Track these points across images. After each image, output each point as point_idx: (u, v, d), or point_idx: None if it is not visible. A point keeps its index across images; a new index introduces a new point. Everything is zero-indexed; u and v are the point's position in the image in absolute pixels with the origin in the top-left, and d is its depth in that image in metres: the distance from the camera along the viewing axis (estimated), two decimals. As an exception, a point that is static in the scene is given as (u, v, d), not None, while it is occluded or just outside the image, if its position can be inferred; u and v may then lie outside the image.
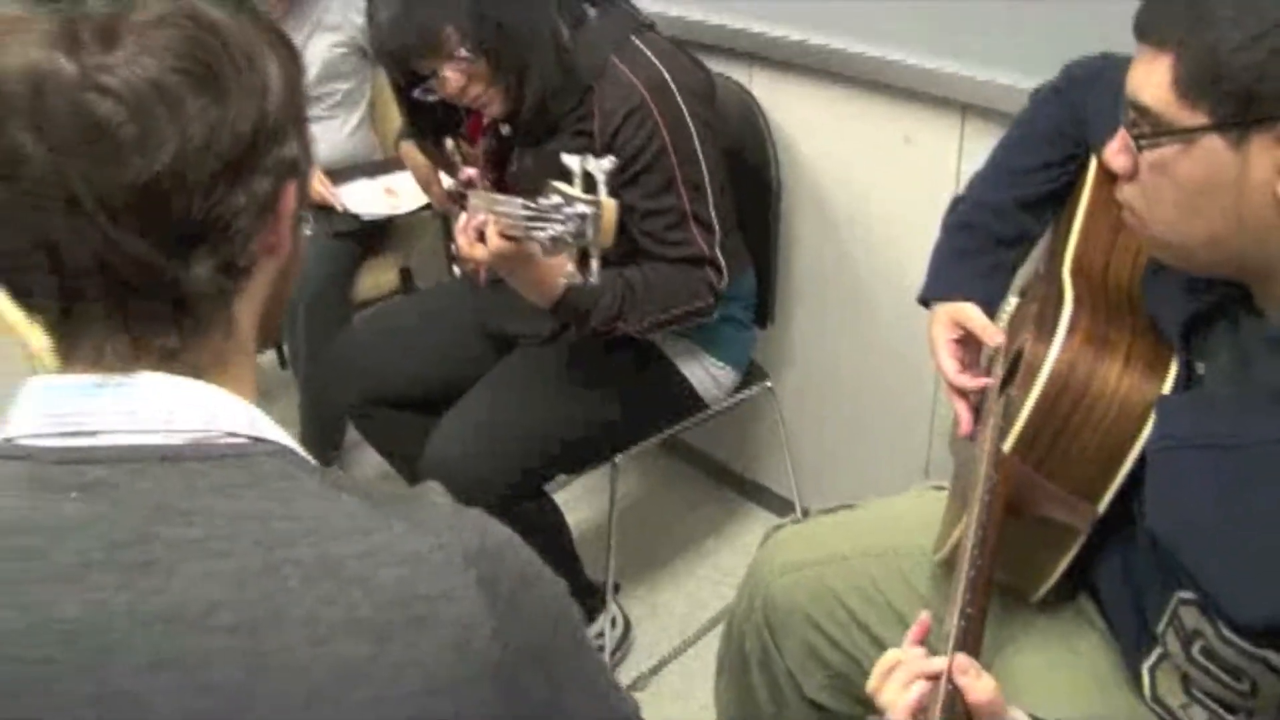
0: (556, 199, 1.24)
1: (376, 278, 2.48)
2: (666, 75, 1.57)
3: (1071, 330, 1.00)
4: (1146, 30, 0.87)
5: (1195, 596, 0.91)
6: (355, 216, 2.32)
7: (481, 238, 1.40)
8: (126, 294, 0.63)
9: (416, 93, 1.59)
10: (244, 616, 0.60)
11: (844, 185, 1.88)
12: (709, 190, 1.61)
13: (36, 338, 1.01)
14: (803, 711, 1.32)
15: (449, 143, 1.81)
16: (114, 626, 0.60)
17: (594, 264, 1.25)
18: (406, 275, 2.55)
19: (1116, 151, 0.92)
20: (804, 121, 1.89)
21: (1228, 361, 0.94)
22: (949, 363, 1.25)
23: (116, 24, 0.60)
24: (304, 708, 0.60)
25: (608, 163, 1.26)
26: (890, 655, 0.90)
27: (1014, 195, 1.28)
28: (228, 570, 0.61)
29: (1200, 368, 0.97)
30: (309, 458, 0.69)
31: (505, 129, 1.71)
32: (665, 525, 2.37)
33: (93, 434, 0.64)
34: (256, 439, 0.67)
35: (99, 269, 0.62)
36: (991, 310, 1.28)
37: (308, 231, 0.75)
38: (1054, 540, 1.04)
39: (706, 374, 1.81)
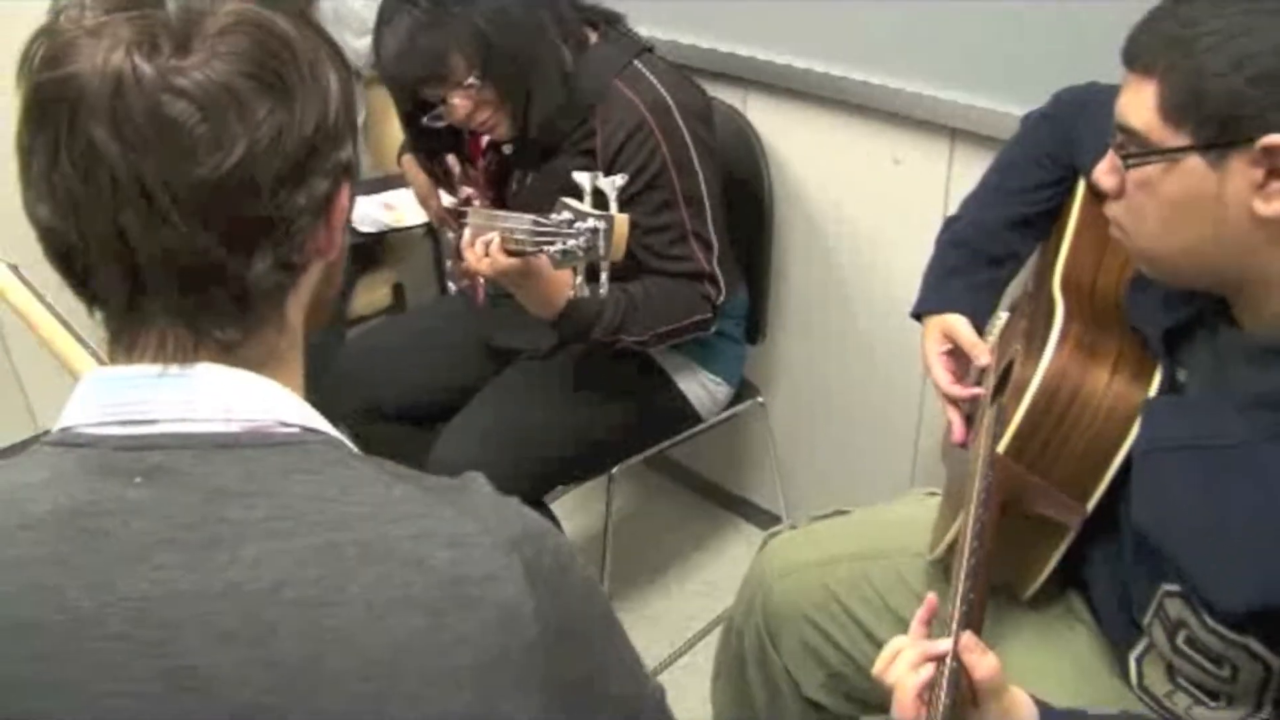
0: (567, 214, 1.28)
1: (370, 294, 2.52)
2: (667, 96, 1.62)
3: (1063, 339, 1.06)
4: (1134, 58, 0.92)
5: (1180, 588, 0.96)
6: (354, 230, 2.36)
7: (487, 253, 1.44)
8: (191, 287, 0.67)
9: (426, 120, 1.62)
10: (306, 593, 0.64)
11: (835, 206, 1.94)
12: (708, 207, 1.66)
13: (82, 362, 1.05)
14: (800, 711, 1.36)
15: (451, 160, 1.86)
16: (181, 603, 0.63)
17: (603, 276, 1.29)
18: (399, 292, 2.58)
19: (1106, 171, 0.97)
20: (797, 143, 1.94)
21: (1207, 368, 1.00)
22: (942, 374, 1.31)
23: (191, 31, 0.64)
24: (362, 680, 0.63)
25: (620, 179, 1.31)
26: (896, 641, 0.95)
27: (1005, 215, 1.34)
28: (290, 549, 0.65)
29: (1182, 374, 1.02)
30: (355, 448, 0.74)
31: (508, 149, 1.75)
32: (656, 539, 2.41)
33: (152, 422, 0.68)
34: (308, 429, 0.71)
35: (167, 261, 0.65)
36: (981, 325, 1.34)
37: None
38: (1045, 538, 1.09)
39: (702, 388, 1.86)
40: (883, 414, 2.02)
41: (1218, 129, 0.86)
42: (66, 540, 0.65)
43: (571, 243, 1.26)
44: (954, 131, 1.70)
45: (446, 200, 1.93)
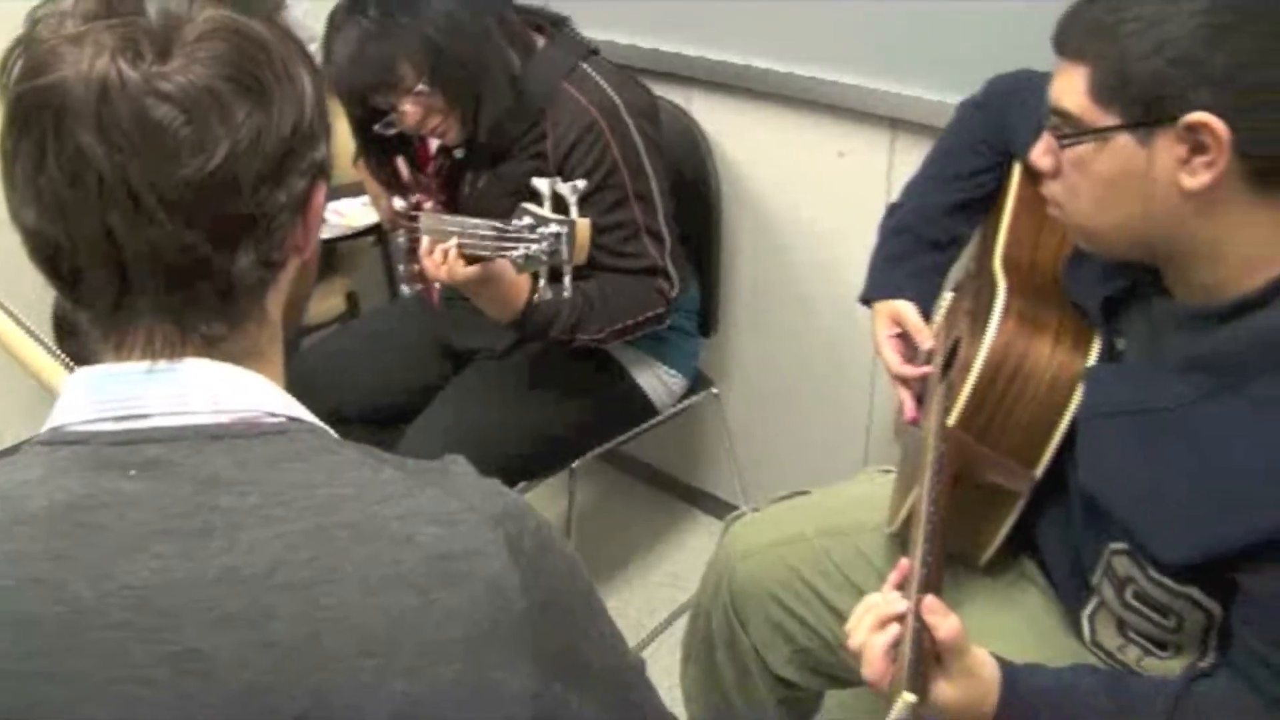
0: (528, 220, 1.30)
1: (323, 302, 2.52)
2: (615, 97, 1.65)
3: (1006, 313, 1.11)
4: (1064, 44, 0.97)
5: (1126, 546, 1.01)
6: None
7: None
8: (177, 284, 0.69)
9: (377, 127, 1.64)
10: (300, 575, 0.66)
11: (781, 198, 1.98)
12: (659, 204, 1.70)
13: (58, 377, 1.06)
14: (768, 688, 1.40)
15: (401, 165, 1.87)
16: (180, 590, 0.65)
17: (566, 279, 1.32)
18: (353, 299, 2.59)
19: (1042, 152, 1.02)
20: (742, 139, 1.99)
21: (1143, 336, 1.05)
22: (892, 356, 1.36)
23: (171, 37, 0.66)
24: (360, 656, 0.66)
25: (580, 184, 1.33)
26: (867, 599, 0.99)
27: (945, 201, 1.40)
28: (282, 534, 0.67)
29: (1120, 343, 1.08)
30: (337, 436, 0.76)
31: (458, 153, 1.77)
32: (615, 534, 2.44)
33: (145, 417, 0.69)
34: (293, 418, 0.74)
35: (154, 259, 0.67)
36: (927, 307, 1.39)
37: None
38: (997, 506, 1.14)
39: (659, 381, 1.90)
40: (834, 398, 2.07)
41: (1144, 109, 0.91)
42: (63, 534, 0.66)
43: (534, 248, 1.28)
44: (894, 122, 1.75)
45: (398, 204, 1.95)
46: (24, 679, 0.65)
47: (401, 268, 2.02)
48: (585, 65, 1.69)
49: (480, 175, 1.76)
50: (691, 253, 1.92)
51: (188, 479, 0.68)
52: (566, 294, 1.34)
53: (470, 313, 1.63)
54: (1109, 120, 0.94)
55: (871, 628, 0.95)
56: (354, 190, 2.32)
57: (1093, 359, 1.08)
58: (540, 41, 1.71)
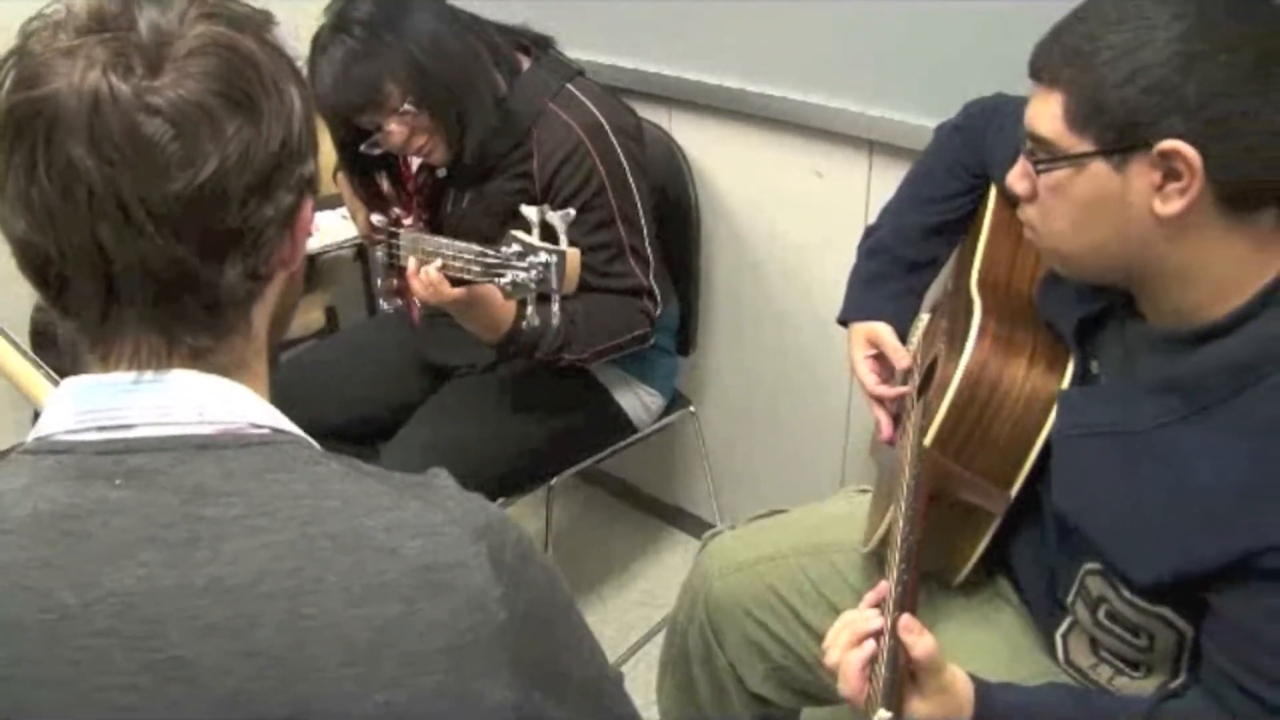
0: (517, 247, 1.30)
1: (302, 317, 2.52)
2: (601, 118, 1.67)
3: (981, 334, 1.12)
4: (1040, 71, 0.99)
5: (1099, 566, 1.02)
6: None
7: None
8: (165, 296, 0.69)
9: (363, 147, 1.64)
10: (284, 584, 0.67)
11: (760, 218, 2.00)
12: (644, 224, 1.71)
13: (37, 386, 1.06)
14: (744, 705, 1.41)
15: (383, 181, 1.87)
16: (165, 598, 0.66)
17: (555, 308, 1.31)
18: (331, 315, 2.59)
19: (1018, 177, 1.04)
20: (721, 159, 2.00)
21: (1117, 358, 1.07)
22: (868, 376, 1.37)
23: (162, 52, 0.67)
24: (343, 665, 0.66)
25: (571, 213, 1.33)
26: (845, 616, 1.00)
27: (922, 223, 1.41)
28: (267, 544, 0.67)
29: (1094, 365, 1.09)
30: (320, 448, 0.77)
31: (441, 172, 1.78)
32: (591, 551, 2.45)
33: (129, 427, 0.70)
34: (277, 430, 0.74)
35: (143, 271, 0.68)
36: (904, 328, 1.40)
37: None
38: (972, 525, 1.15)
39: (638, 400, 1.91)
40: (811, 418, 2.08)
41: (1118, 135, 0.93)
42: (49, 542, 0.67)
43: (523, 276, 1.28)
44: (872, 144, 1.77)
45: (376, 219, 1.95)
46: (10, 684, 0.66)
47: (380, 282, 2.02)
48: (571, 86, 1.70)
49: (464, 194, 1.76)
50: (671, 272, 1.93)
51: (173, 489, 0.68)
52: (555, 322, 1.34)
53: (450, 329, 1.63)
54: (1084, 146, 0.95)
55: (848, 645, 0.96)
56: (332, 203, 2.33)
57: (1067, 380, 1.09)
58: (526, 62, 1.72)
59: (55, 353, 0.77)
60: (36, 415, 0.81)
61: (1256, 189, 0.92)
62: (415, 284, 1.46)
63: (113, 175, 0.65)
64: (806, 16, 1.74)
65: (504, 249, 1.30)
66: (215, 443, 0.70)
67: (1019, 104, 1.03)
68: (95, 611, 0.65)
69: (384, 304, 2.03)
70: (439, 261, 1.43)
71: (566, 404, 1.84)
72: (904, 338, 1.39)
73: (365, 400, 1.95)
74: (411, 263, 1.49)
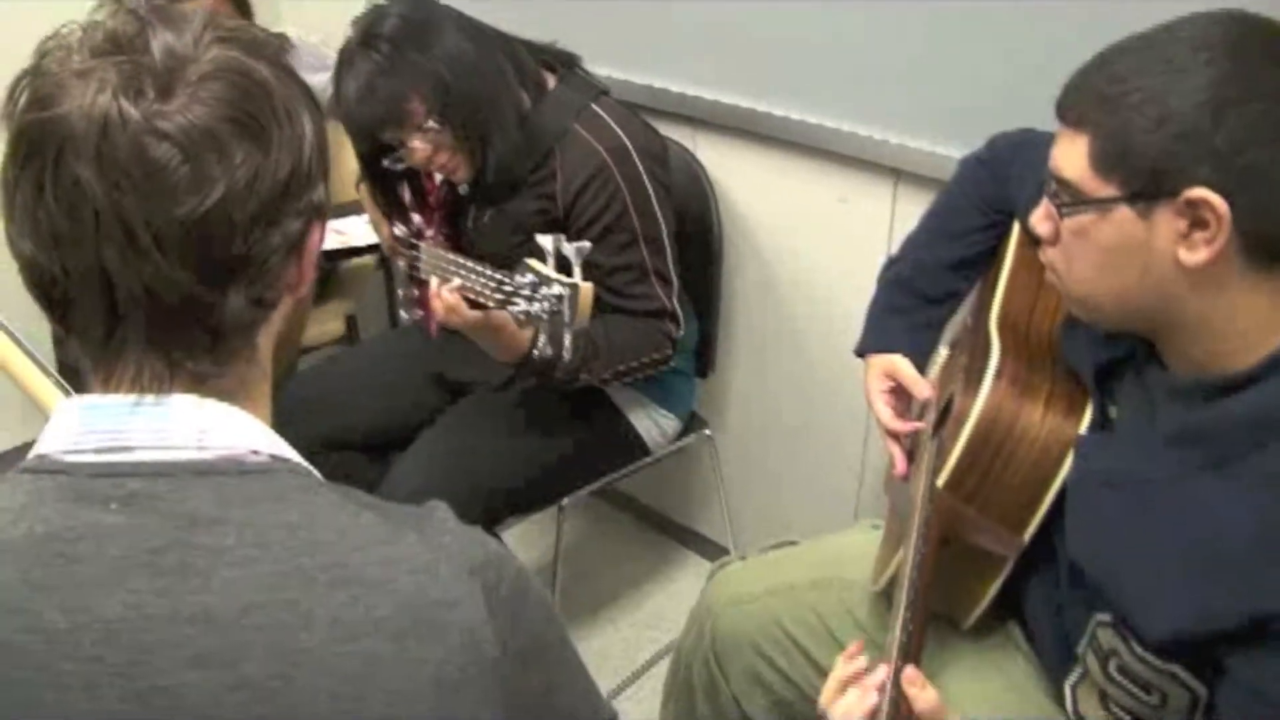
0: (531, 277, 1.29)
1: (322, 325, 2.52)
2: (626, 139, 1.66)
3: (998, 376, 1.11)
4: (1066, 112, 0.97)
5: (1111, 618, 1.00)
6: None
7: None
8: (167, 320, 0.69)
9: (386, 162, 1.64)
10: (275, 617, 0.66)
11: (782, 243, 1.99)
12: (667, 246, 1.70)
13: (50, 399, 1.06)
14: (746, 737, 1.39)
15: (405, 194, 1.87)
16: (154, 627, 0.65)
17: (566, 341, 1.30)
18: (351, 324, 2.59)
19: (1041, 219, 1.02)
20: (745, 182, 1.99)
21: (1136, 405, 1.05)
22: (884, 410, 1.36)
23: (174, 76, 0.66)
24: (331, 700, 0.66)
25: (586, 245, 1.31)
26: (842, 667, 0.98)
27: (943, 257, 1.40)
28: (259, 575, 0.67)
29: (1113, 410, 1.07)
30: (321, 477, 0.76)
31: (463, 188, 1.77)
32: (603, 570, 2.43)
33: (128, 450, 0.70)
34: (277, 457, 0.74)
35: (145, 296, 0.67)
36: (922, 362, 1.39)
37: None
38: (984, 569, 1.13)
39: (652, 422, 1.89)
40: (829, 446, 2.06)
41: (1145, 182, 0.91)
42: (41, 564, 0.66)
43: (536, 306, 1.27)
44: (897, 172, 1.75)
45: (399, 230, 1.95)
46: None
47: (401, 292, 2.02)
48: (596, 106, 1.69)
49: (485, 211, 1.76)
50: (691, 293, 1.92)
51: (168, 515, 0.68)
52: (566, 355, 1.32)
53: (467, 345, 1.63)
54: (1109, 191, 0.94)
55: (856, 695, 0.95)
56: (357, 208, 2.33)
57: (1085, 425, 1.07)
58: (552, 81, 1.72)
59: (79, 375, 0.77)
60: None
61: None
62: (435, 303, 1.46)
63: (119, 198, 0.65)
64: (835, 42, 1.73)
65: (518, 278, 1.30)
66: (213, 469, 0.70)
67: (1046, 140, 1.01)
68: (83, 637, 0.65)
69: (404, 314, 2.04)
70: (457, 281, 1.43)
71: (579, 424, 1.83)
72: (922, 372, 1.38)
73: (381, 411, 1.95)
74: (434, 281, 1.49)
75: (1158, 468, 0.96)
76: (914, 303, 1.40)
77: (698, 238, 1.96)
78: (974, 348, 1.24)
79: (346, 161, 2.27)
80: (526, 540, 2.37)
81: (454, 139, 1.61)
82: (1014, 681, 1.19)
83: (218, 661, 0.65)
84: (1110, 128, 0.92)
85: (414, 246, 1.83)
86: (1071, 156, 0.96)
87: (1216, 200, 0.87)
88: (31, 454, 0.72)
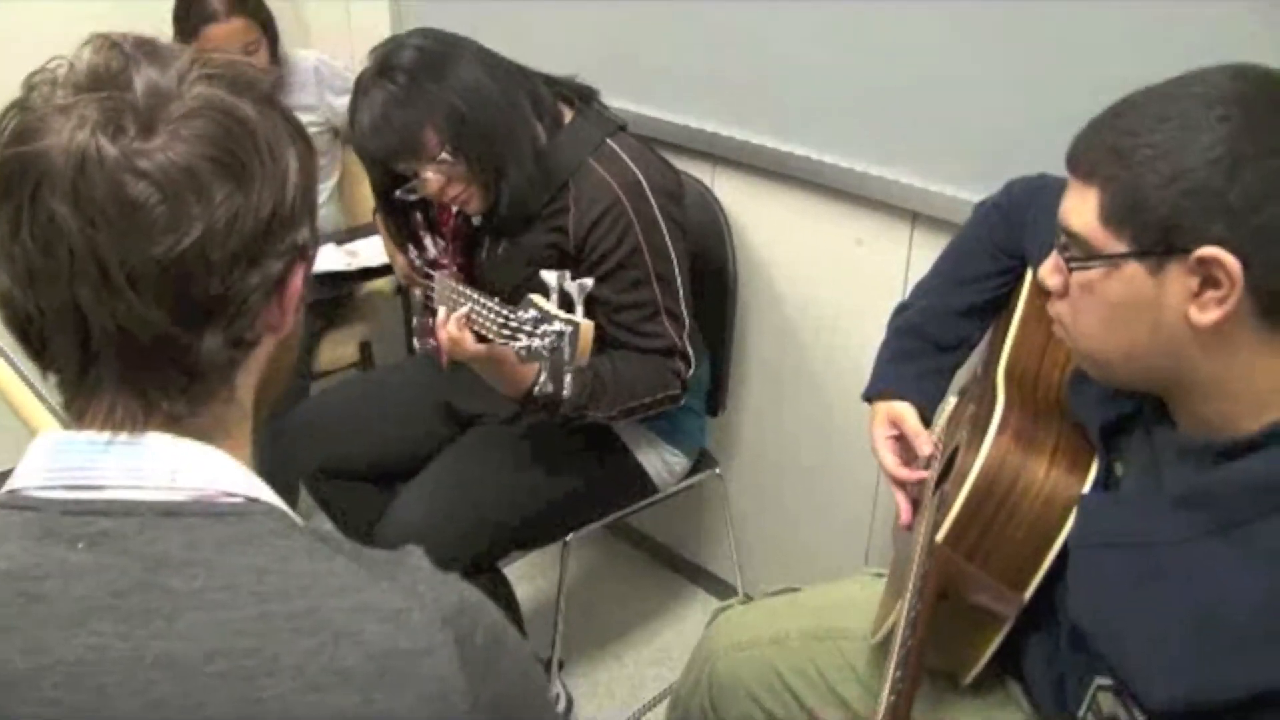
0: (534, 313, 1.28)
1: (336, 350, 2.53)
2: (640, 176, 1.65)
3: (1002, 429, 1.08)
4: (1077, 164, 0.95)
5: (1112, 682, 0.97)
6: (318, 281, 2.36)
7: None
8: (141, 360, 0.68)
9: (399, 193, 1.64)
10: (239, 664, 0.64)
11: (797, 282, 1.97)
12: (679, 284, 1.69)
13: (42, 421, 1.06)
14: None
15: (419, 220, 1.87)
16: (115, 670, 0.64)
17: (567, 379, 1.29)
18: (366, 349, 2.59)
19: (1050, 271, 1.00)
20: (762, 220, 1.98)
21: (1143, 464, 1.02)
22: (889, 457, 1.33)
23: (156, 114, 0.66)
24: None
25: (588, 283, 1.30)
26: None
27: (955, 303, 1.38)
28: (225, 620, 0.65)
29: (1119, 469, 1.05)
30: (298, 519, 0.75)
31: (476, 220, 1.77)
32: (610, 605, 2.41)
33: (99, 488, 0.69)
34: (252, 499, 0.72)
35: (119, 335, 0.67)
36: (930, 411, 1.36)
37: None
38: (983, 626, 1.11)
39: (660, 460, 1.88)
40: (840, 489, 2.04)
41: (1156, 238, 0.89)
42: (4, 603, 0.65)
43: (537, 343, 1.26)
44: (915, 215, 1.74)
45: (416, 259, 1.95)
46: None
47: (416, 321, 2.02)
48: (612, 142, 1.68)
49: (498, 243, 1.75)
50: (705, 329, 1.90)
51: (135, 556, 0.67)
52: (566, 392, 1.31)
53: (475, 377, 1.62)
54: (1119, 246, 0.91)
55: None
56: (370, 230, 2.33)
57: (1089, 484, 1.05)
58: (569, 114, 1.71)
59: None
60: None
61: None
62: (442, 334, 1.46)
63: (94, 236, 0.64)
64: (856, 83, 1.72)
65: (521, 313, 1.29)
66: (184, 510, 0.69)
67: (1061, 186, 0.99)
68: (43, 679, 0.64)
69: (418, 343, 2.04)
70: (463, 310, 1.42)
71: (586, 460, 1.81)
72: (930, 419, 1.35)
73: (389, 440, 1.95)
74: (441, 311, 1.49)
75: (1163, 530, 0.93)
76: (923, 349, 1.37)
77: (713, 275, 1.95)
78: (981, 398, 1.22)
79: (367, 189, 2.28)
80: (532, 575, 2.36)
81: (468, 171, 1.60)
82: (1013, 742, 1.16)
83: (178, 707, 0.64)
84: (1122, 182, 0.90)
85: (428, 276, 1.83)
86: (1081, 210, 0.94)
87: (1229, 259, 0.85)
88: (4, 488, 0.71)
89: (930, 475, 1.28)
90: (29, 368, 1.12)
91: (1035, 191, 1.35)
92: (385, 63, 1.58)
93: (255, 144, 0.69)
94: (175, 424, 0.71)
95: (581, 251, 1.65)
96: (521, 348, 1.27)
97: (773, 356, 2.07)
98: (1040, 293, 1.23)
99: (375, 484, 1.94)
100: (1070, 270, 0.96)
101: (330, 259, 2.41)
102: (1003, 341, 1.26)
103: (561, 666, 2.09)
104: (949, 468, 1.21)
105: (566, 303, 1.29)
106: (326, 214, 2.61)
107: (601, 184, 1.63)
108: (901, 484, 1.31)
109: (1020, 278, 1.35)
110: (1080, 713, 1.03)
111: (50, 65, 0.69)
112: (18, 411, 1.09)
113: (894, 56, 1.66)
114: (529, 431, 1.79)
